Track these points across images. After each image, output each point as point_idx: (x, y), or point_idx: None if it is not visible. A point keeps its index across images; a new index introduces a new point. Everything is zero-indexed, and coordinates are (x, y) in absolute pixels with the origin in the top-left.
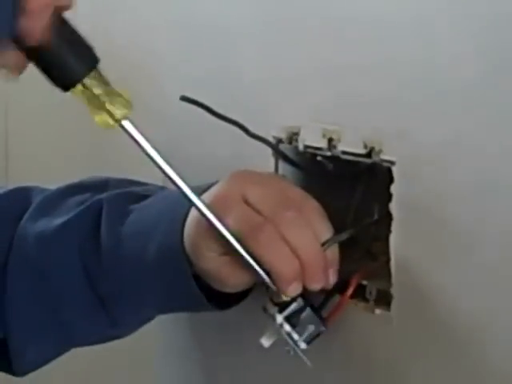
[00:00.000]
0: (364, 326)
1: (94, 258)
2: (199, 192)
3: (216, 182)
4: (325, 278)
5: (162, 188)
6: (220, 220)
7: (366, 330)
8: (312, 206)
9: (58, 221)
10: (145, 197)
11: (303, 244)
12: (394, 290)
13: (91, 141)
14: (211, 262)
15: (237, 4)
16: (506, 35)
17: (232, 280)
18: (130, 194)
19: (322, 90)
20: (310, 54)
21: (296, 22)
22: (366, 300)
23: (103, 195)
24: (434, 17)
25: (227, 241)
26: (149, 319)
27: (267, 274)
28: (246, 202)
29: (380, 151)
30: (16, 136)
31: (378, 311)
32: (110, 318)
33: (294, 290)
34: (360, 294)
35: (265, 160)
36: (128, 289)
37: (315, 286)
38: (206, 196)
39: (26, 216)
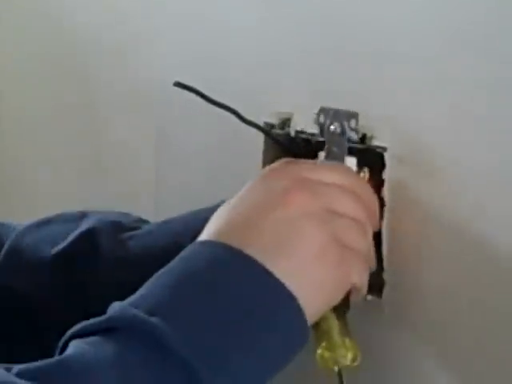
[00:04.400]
0: (356, 312)
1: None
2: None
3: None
4: None
5: (145, 221)
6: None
7: (358, 316)
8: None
9: (52, 249)
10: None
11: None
12: (386, 277)
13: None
14: None
15: None
16: (498, 25)
17: None
18: (120, 223)
19: (314, 76)
20: (303, 39)
21: (289, 6)
22: None
23: (93, 220)
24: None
25: None
26: None
27: None
28: None
29: (372, 137)
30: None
31: (369, 297)
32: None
33: None
34: None
35: (255, 146)
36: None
37: None
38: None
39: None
